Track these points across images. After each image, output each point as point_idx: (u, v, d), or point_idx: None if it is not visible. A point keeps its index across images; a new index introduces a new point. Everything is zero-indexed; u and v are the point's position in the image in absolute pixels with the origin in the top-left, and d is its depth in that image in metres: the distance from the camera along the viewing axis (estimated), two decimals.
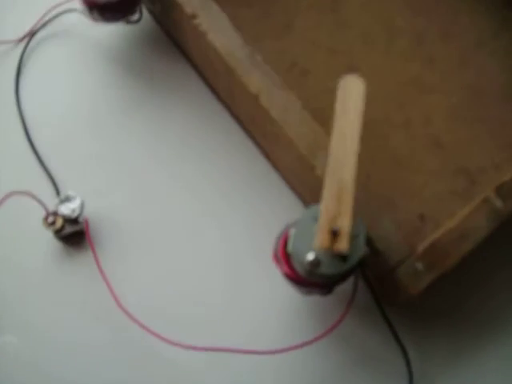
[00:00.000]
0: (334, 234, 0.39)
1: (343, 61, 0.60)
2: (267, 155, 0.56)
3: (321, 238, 0.40)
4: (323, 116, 0.55)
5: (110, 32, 0.61)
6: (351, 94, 0.43)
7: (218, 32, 0.49)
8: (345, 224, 0.39)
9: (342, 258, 0.41)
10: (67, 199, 0.52)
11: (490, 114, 0.58)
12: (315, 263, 0.40)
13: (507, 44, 0.61)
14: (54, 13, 0.60)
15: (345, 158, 0.41)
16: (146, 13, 0.61)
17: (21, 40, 0.61)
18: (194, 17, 0.49)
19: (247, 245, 0.54)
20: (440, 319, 0.53)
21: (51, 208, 0.52)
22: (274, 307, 0.53)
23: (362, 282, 0.47)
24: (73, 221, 0.52)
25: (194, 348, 0.48)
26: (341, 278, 0.44)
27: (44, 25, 0.61)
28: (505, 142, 0.57)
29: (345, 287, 0.46)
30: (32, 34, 0.61)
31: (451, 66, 0.60)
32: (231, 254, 0.54)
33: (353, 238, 0.41)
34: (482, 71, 0.60)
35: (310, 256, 0.40)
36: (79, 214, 0.52)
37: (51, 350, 0.51)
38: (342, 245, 0.39)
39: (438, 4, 0.63)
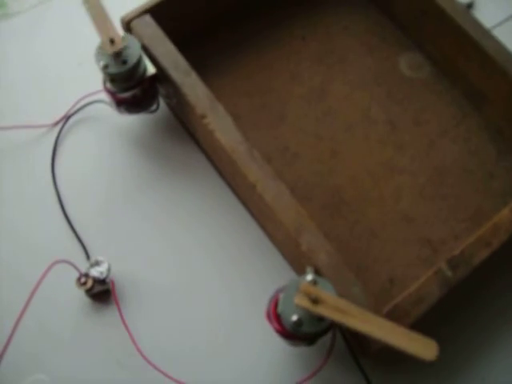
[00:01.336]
0: (312, 299, 0.49)
1: (328, 146, 0.70)
2: (264, 229, 0.66)
3: (303, 292, 0.49)
4: (310, 194, 0.66)
5: (133, 119, 0.71)
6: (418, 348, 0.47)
7: (223, 130, 0.59)
8: (321, 311, 0.48)
9: (320, 318, 0.50)
10: (97, 263, 0.62)
11: (450, 192, 0.68)
12: (298, 323, 0.50)
13: (466, 132, 0.71)
14: (84, 102, 0.71)
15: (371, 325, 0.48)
16: (163, 104, 0.71)
17: (56, 124, 0.71)
18: (203, 117, 0.59)
19: (246, 304, 0.63)
20: (408, 367, 0.61)
21: (83, 270, 0.62)
22: (265, 356, 0.61)
23: (340, 335, 0.56)
24: (101, 281, 0.61)
25: None
26: (320, 333, 0.53)
27: (76, 111, 0.71)
28: (463, 216, 0.67)
29: (325, 339, 0.55)
30: (66, 118, 0.71)
31: (419, 150, 0.70)
32: (232, 311, 0.63)
33: None
34: (445, 155, 0.70)
35: (294, 317, 0.50)
36: (107, 276, 0.61)
37: None
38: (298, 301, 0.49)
39: (410, 95, 0.73)
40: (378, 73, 0.75)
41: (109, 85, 0.63)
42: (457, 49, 0.70)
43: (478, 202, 0.68)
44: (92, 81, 0.68)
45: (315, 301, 0.49)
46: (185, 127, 0.71)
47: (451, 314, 0.63)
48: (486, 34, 0.67)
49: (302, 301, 0.48)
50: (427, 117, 0.72)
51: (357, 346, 0.57)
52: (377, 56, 0.76)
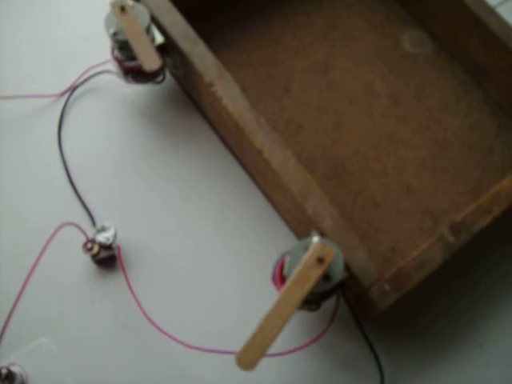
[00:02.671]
0: (319, 257, 0.50)
1: (331, 118, 0.71)
2: (268, 197, 0.67)
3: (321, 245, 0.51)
4: (314, 165, 0.67)
5: (138, 90, 0.72)
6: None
7: (231, 98, 0.59)
8: (305, 264, 0.50)
9: (326, 279, 0.51)
10: (103, 229, 0.62)
11: (452, 165, 0.69)
12: None
13: (467, 107, 0.72)
14: (91, 72, 0.72)
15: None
16: (168, 75, 0.72)
17: (63, 94, 0.72)
18: (211, 85, 0.60)
19: (251, 269, 0.64)
20: (409, 333, 0.63)
21: (90, 236, 0.62)
22: None
23: (343, 301, 0.56)
24: (107, 247, 0.62)
25: (202, 349, 0.58)
26: (325, 295, 0.54)
27: (83, 82, 0.72)
28: (464, 188, 0.68)
29: (329, 306, 0.56)
30: (73, 89, 0.72)
31: (421, 124, 0.71)
32: (237, 276, 0.64)
33: (334, 263, 0.51)
34: (446, 129, 0.71)
35: None
36: (113, 242, 0.62)
37: (82, 352, 0.60)
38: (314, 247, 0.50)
39: (412, 71, 0.74)
40: (381, 49, 0.76)
41: (117, 53, 0.64)
42: (459, 24, 0.71)
43: (479, 175, 0.69)
44: (99, 53, 0.69)
45: (320, 260, 0.50)
46: (191, 98, 0.71)
47: (453, 280, 0.64)
48: (488, 9, 0.68)
49: (316, 248, 0.49)
50: (429, 92, 0.73)
51: (360, 312, 0.58)
52: (380, 33, 0.77)
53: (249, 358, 0.48)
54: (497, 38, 0.67)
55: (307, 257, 0.50)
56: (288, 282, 0.50)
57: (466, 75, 0.74)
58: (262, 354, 0.48)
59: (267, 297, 0.60)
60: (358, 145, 0.69)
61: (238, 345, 0.58)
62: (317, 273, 0.49)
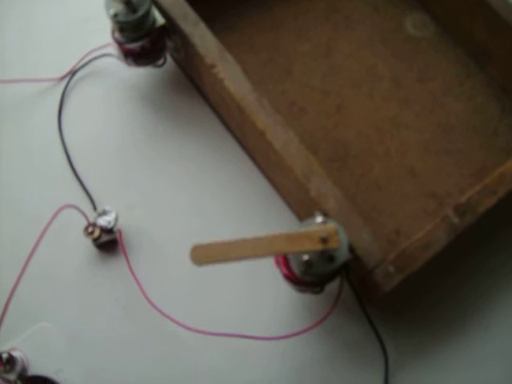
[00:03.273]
0: (323, 238, 0.50)
1: (334, 101, 0.70)
2: (270, 179, 0.66)
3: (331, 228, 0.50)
4: (316, 147, 0.67)
5: (139, 74, 0.72)
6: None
7: (233, 79, 0.59)
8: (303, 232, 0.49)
9: (330, 260, 0.51)
10: (104, 213, 0.62)
11: (456, 148, 0.68)
12: (309, 264, 0.51)
13: (470, 90, 0.72)
14: (91, 56, 0.71)
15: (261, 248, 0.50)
16: (169, 58, 0.71)
17: (63, 78, 0.71)
18: (212, 66, 0.59)
19: None
20: (413, 316, 0.62)
21: (91, 220, 0.62)
22: (273, 304, 0.62)
23: (347, 285, 0.56)
24: (108, 231, 0.62)
25: (204, 332, 0.57)
26: (328, 277, 0.54)
27: (83, 66, 0.71)
28: (468, 170, 0.67)
29: (332, 289, 0.56)
30: (73, 73, 0.71)
31: (424, 107, 0.70)
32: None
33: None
34: (449, 112, 0.70)
35: (305, 257, 0.51)
36: (114, 225, 0.62)
37: (83, 335, 0.60)
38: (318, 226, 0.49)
39: (415, 54, 0.74)
40: (384, 32, 0.75)
41: (117, 35, 0.63)
42: (462, 6, 0.70)
43: (483, 158, 0.68)
44: (99, 36, 0.68)
45: (324, 240, 0.49)
46: (192, 81, 0.71)
47: (457, 262, 0.64)
48: None
49: (328, 230, 0.49)
50: (431, 75, 0.73)
51: (364, 294, 0.57)
52: (382, 16, 0.76)
53: (202, 255, 0.48)
54: (501, 18, 0.66)
55: (315, 229, 0.49)
56: (283, 233, 0.49)
57: (470, 58, 0.73)
58: (213, 261, 0.48)
59: (271, 280, 0.60)
60: (360, 128, 0.69)
61: (241, 328, 0.58)
62: (310, 247, 0.49)
